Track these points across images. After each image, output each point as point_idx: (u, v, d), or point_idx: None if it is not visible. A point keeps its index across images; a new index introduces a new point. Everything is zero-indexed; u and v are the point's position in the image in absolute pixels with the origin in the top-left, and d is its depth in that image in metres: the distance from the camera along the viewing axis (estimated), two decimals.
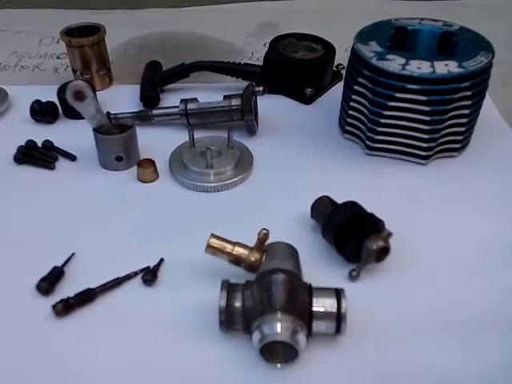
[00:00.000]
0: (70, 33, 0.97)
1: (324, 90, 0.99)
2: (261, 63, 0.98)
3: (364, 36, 0.79)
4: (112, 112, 0.89)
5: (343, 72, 1.00)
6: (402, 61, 0.73)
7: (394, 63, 0.73)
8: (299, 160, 0.83)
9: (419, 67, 0.71)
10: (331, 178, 0.79)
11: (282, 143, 0.87)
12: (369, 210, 0.66)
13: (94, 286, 0.63)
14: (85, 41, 0.95)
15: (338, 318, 0.54)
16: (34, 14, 1.28)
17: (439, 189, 0.77)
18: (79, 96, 0.72)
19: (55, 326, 0.60)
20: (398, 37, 0.80)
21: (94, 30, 0.98)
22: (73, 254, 0.67)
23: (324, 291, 0.55)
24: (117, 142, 0.79)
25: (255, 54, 1.13)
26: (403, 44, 0.81)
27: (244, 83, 0.96)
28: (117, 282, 0.63)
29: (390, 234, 0.63)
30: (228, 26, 1.23)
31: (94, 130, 0.78)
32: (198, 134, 0.83)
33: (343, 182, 0.78)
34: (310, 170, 0.81)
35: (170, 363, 0.57)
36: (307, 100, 0.96)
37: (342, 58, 0.99)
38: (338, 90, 0.97)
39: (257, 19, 1.27)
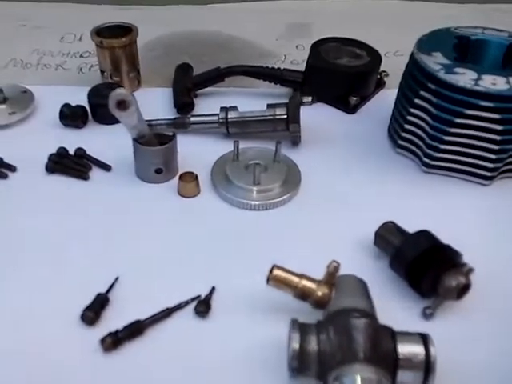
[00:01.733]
0: (99, 32, 0.91)
1: (368, 99, 0.94)
2: (295, 67, 0.93)
3: (425, 45, 0.73)
4: (145, 118, 0.83)
5: (386, 79, 0.96)
6: (474, 75, 0.67)
7: (464, 77, 0.67)
8: (349, 176, 0.78)
9: (494, 83, 0.66)
10: (387, 196, 0.74)
11: (328, 156, 0.81)
12: (438, 237, 0.61)
13: (140, 313, 0.57)
14: (116, 42, 0.89)
15: (427, 367, 0.48)
16: (53, 7, 1.21)
17: (506, 212, 0.72)
18: (122, 105, 0.67)
19: (103, 360, 0.55)
20: (461, 47, 0.74)
21: (126, 30, 0.91)
22: (117, 279, 0.62)
23: (408, 336, 0.50)
24: (158, 153, 0.73)
25: (288, 56, 1.07)
26: (466, 55, 0.75)
27: (281, 89, 0.92)
28: (166, 313, 0.58)
29: (471, 270, 0.57)
30: (256, 25, 1.16)
31: (134, 140, 0.73)
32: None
33: (402, 201, 0.73)
34: (362, 187, 0.76)
35: None
36: (351, 109, 0.91)
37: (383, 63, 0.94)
38: (381, 98, 0.93)
39: (286, 19, 1.20)
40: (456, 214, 0.71)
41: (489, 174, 0.73)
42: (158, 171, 0.74)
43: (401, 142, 0.79)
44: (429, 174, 0.77)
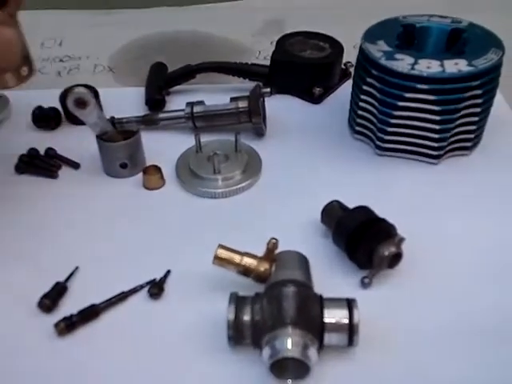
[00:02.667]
0: None
1: (333, 89, 0.97)
2: (268, 62, 0.96)
3: (371, 35, 0.77)
4: (116, 116, 0.87)
5: (352, 70, 0.99)
6: (411, 60, 0.71)
7: (402, 63, 0.71)
8: (309, 162, 0.82)
9: (429, 66, 0.69)
10: (341, 179, 0.78)
11: (290, 145, 0.85)
12: (380, 214, 0.65)
13: (98, 301, 0.61)
14: None
15: (351, 329, 0.52)
16: (34, 15, 1.25)
17: (452, 188, 0.76)
18: (81, 103, 0.71)
19: (58, 345, 0.58)
20: (406, 35, 0.78)
21: None
22: (76, 268, 0.65)
23: (335, 302, 0.54)
24: (121, 148, 0.77)
25: (262, 52, 1.11)
26: (412, 42, 0.79)
27: (251, 84, 0.95)
28: (122, 297, 0.62)
29: (402, 240, 0.61)
30: (233, 24, 1.20)
31: (98, 136, 0.76)
32: (204, 138, 0.81)
33: (354, 183, 0.76)
34: (319, 173, 0.80)
35: (177, 380, 0.56)
36: (316, 100, 0.94)
37: (349, 55, 0.97)
38: (346, 88, 0.94)
39: (262, 16, 1.24)
40: (402, 192, 0.75)
41: (435, 152, 0.77)
42: (123, 166, 0.78)
43: (357, 128, 0.83)
44: (382, 157, 0.81)
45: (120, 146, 0.77)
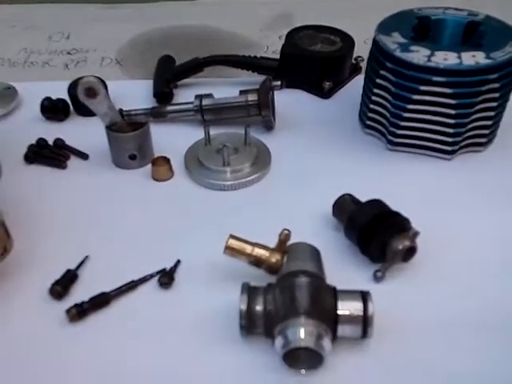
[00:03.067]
0: None
1: (343, 84, 0.96)
2: (277, 56, 0.95)
3: (386, 27, 0.76)
4: (124, 108, 0.87)
5: (362, 65, 0.98)
6: (427, 52, 0.70)
7: (418, 55, 0.69)
8: (319, 156, 0.81)
9: (445, 58, 0.68)
10: (353, 174, 0.77)
11: (300, 139, 0.84)
12: (394, 208, 0.63)
13: (108, 289, 0.61)
14: None
15: (365, 321, 0.51)
16: (42, 8, 1.26)
17: (465, 185, 0.74)
18: (91, 93, 0.70)
19: (69, 331, 0.58)
20: (421, 27, 0.77)
21: None
22: (86, 257, 0.65)
23: (349, 294, 0.53)
24: (130, 139, 0.76)
25: (271, 47, 1.10)
26: (427, 35, 0.78)
27: (260, 78, 0.94)
28: (132, 285, 0.61)
29: (416, 234, 0.60)
30: (241, 18, 1.20)
31: (107, 127, 0.76)
32: (213, 131, 0.80)
33: (365, 178, 0.75)
34: (330, 167, 0.79)
35: (187, 369, 0.55)
36: (326, 94, 0.93)
37: (360, 50, 0.96)
38: (357, 83, 0.95)
39: (271, 11, 1.23)
40: (415, 188, 0.74)
41: (449, 148, 0.76)
42: (132, 157, 0.77)
43: (368, 122, 0.82)
44: (394, 152, 0.80)
45: (129, 137, 0.76)
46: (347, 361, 0.54)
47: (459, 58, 0.68)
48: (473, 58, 0.68)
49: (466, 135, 0.75)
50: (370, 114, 0.81)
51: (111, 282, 0.61)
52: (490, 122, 0.74)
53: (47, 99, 0.87)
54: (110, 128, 0.76)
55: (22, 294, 0.62)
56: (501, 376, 0.54)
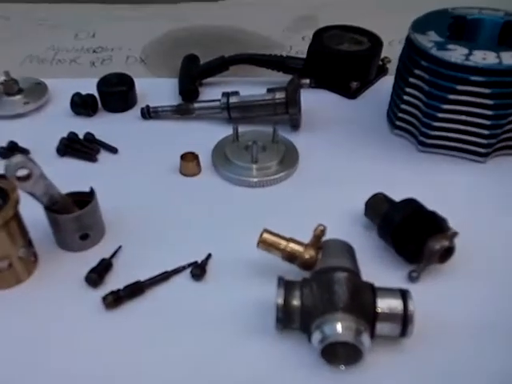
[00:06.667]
0: None
1: (369, 84, 0.95)
2: (300, 57, 0.95)
3: (420, 25, 0.75)
4: (151, 105, 0.87)
5: (389, 66, 0.97)
6: (465, 51, 0.69)
7: (456, 53, 0.68)
8: (346, 156, 0.80)
9: (484, 58, 0.67)
10: (382, 175, 0.75)
11: (327, 139, 0.83)
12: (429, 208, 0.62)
13: (141, 279, 0.61)
14: None
15: (405, 320, 0.50)
16: (68, 7, 1.26)
17: (500, 188, 0.73)
18: (24, 175, 0.57)
19: (105, 317, 0.58)
20: (456, 27, 0.76)
21: None
22: (120, 247, 0.65)
23: (388, 292, 0.52)
24: (81, 218, 0.64)
25: (294, 47, 1.10)
26: (462, 34, 0.77)
27: (285, 77, 0.93)
28: (165, 276, 0.61)
29: (455, 234, 0.59)
30: (265, 19, 1.19)
31: (47, 208, 0.62)
32: (240, 128, 0.80)
33: (396, 179, 0.74)
34: (358, 167, 0.78)
35: (220, 361, 0.54)
36: (352, 94, 0.93)
37: (385, 51, 0.95)
38: (383, 84, 0.95)
39: (294, 12, 1.23)
40: (448, 190, 0.73)
41: (483, 150, 0.74)
42: (84, 237, 0.65)
43: (398, 123, 0.81)
44: (426, 154, 0.78)
45: (78, 216, 0.63)
46: (385, 359, 0.53)
47: (498, 57, 0.67)
48: None
49: (501, 137, 0.74)
50: (401, 115, 0.80)
51: (143, 272, 0.61)
52: None
53: (77, 95, 0.88)
54: (51, 208, 0.62)
55: (61, 281, 0.62)
56: None
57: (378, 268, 0.62)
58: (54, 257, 0.65)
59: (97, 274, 0.61)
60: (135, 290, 0.59)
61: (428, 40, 0.71)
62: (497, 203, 0.71)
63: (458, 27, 0.76)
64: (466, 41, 0.74)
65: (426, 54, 0.71)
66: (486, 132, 0.72)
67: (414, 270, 0.59)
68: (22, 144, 0.81)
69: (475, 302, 0.59)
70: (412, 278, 0.59)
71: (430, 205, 0.63)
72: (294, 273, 0.57)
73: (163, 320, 0.58)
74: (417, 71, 0.73)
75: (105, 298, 0.58)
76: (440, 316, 0.57)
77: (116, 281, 0.61)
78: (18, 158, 0.56)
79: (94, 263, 0.63)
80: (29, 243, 0.63)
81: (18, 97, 0.90)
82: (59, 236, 0.66)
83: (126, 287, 0.59)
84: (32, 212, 0.62)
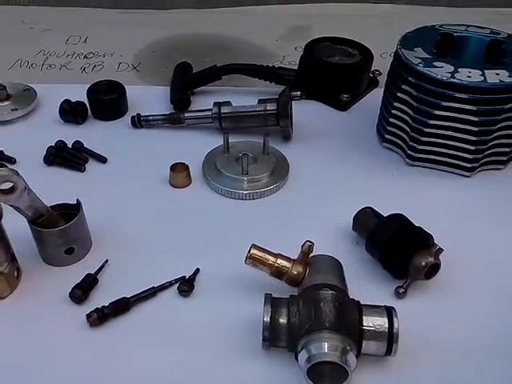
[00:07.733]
0: None
1: (360, 97, 0.96)
2: (293, 67, 0.96)
3: (409, 41, 0.76)
4: (142, 114, 0.87)
5: (379, 78, 0.98)
6: (451, 68, 0.70)
7: (442, 71, 0.70)
8: (336, 168, 0.81)
9: (469, 76, 0.68)
10: (371, 188, 0.76)
11: (317, 151, 0.84)
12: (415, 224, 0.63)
13: (128, 295, 0.60)
14: None
15: (390, 338, 0.51)
16: (60, 11, 1.26)
17: (485, 203, 0.74)
18: (8, 188, 0.56)
19: (89, 335, 0.58)
20: (443, 43, 0.77)
21: None
22: (106, 261, 0.65)
23: (374, 309, 0.52)
24: (67, 231, 0.63)
25: (286, 57, 1.10)
26: (448, 51, 0.78)
27: (277, 88, 0.94)
28: (152, 292, 0.61)
29: (440, 250, 0.60)
30: (258, 28, 1.20)
31: (31, 222, 0.61)
32: (231, 139, 0.80)
33: (384, 192, 0.75)
34: (348, 179, 0.78)
35: (207, 379, 0.54)
36: (343, 106, 0.93)
37: (377, 64, 0.96)
38: (374, 96, 0.95)
39: (287, 22, 1.23)
40: (435, 204, 0.73)
41: (469, 165, 0.75)
42: (69, 251, 0.64)
43: (387, 136, 0.82)
44: (413, 167, 0.79)
45: (65, 229, 0.62)
46: (370, 378, 0.53)
47: (483, 75, 0.68)
48: (497, 76, 0.68)
49: (486, 153, 0.75)
50: (389, 128, 0.80)
51: (130, 287, 0.61)
52: (511, 141, 0.74)
53: (66, 102, 0.87)
54: (36, 222, 0.61)
55: (42, 297, 0.62)
56: None
57: (365, 283, 0.63)
58: (38, 272, 0.64)
59: (81, 291, 0.60)
60: (120, 306, 0.59)
61: (415, 56, 0.72)
62: (481, 218, 0.72)
63: (445, 44, 0.77)
64: (452, 58, 0.76)
65: (413, 70, 0.72)
66: (471, 147, 0.73)
67: (401, 286, 0.60)
68: (8, 152, 0.81)
69: (460, 318, 0.60)
70: (398, 294, 0.60)
71: (417, 219, 0.64)
72: (282, 289, 0.58)
73: (149, 338, 0.58)
74: (404, 86, 0.74)
75: (89, 316, 0.58)
76: (426, 332, 0.58)
77: (101, 297, 0.61)
78: (2, 172, 0.56)
79: (79, 278, 0.62)
80: (12, 258, 0.62)
81: (6, 103, 0.89)
82: (43, 250, 0.65)
83: (111, 304, 0.58)
84: (16, 225, 0.61)
